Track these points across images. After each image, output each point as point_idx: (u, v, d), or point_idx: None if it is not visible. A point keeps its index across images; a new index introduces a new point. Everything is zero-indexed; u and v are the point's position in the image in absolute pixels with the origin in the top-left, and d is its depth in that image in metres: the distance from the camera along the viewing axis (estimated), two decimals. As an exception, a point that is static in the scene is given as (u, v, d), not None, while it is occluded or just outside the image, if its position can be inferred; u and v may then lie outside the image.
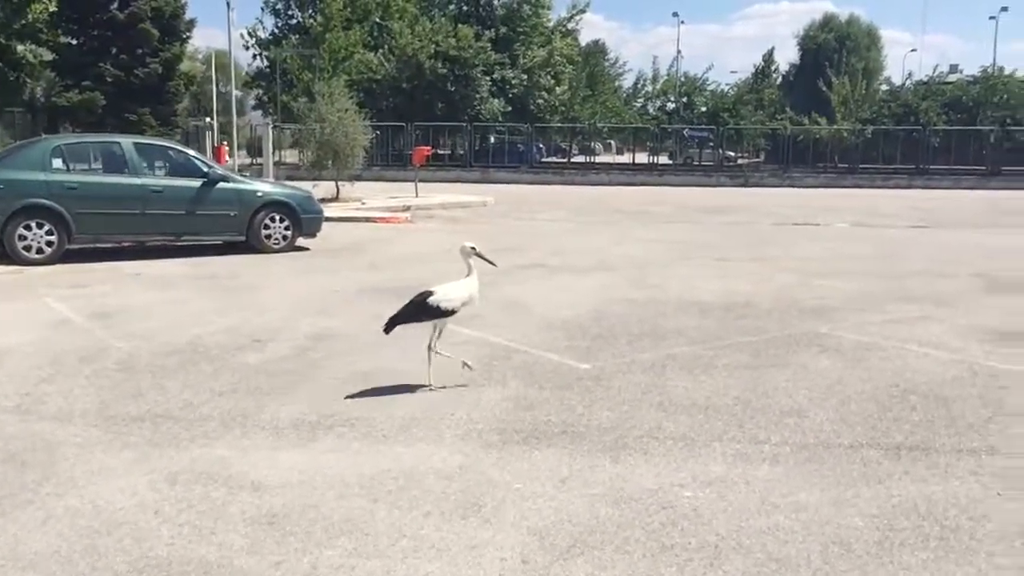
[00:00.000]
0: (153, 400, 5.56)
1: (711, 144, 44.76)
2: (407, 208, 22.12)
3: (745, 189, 34.32)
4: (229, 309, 8.54)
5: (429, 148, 29.34)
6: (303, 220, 12.98)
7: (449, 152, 43.83)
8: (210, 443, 4.81)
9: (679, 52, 64.53)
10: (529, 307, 8.67)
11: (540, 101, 45.06)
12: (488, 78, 42.14)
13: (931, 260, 12.68)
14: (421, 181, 27.96)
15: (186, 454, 4.64)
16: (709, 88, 47.29)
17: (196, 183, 12.25)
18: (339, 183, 22.95)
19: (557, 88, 45.85)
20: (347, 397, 5.65)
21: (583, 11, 50.45)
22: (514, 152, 42.61)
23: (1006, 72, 46.00)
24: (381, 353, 6.76)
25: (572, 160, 47.05)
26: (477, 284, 5.82)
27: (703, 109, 45.78)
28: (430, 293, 5.69)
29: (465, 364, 5.89)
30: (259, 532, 3.74)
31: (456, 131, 43.59)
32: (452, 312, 5.70)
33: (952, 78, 50.53)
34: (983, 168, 38.61)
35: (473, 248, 5.81)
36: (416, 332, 7.33)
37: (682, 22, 77.65)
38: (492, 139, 46.85)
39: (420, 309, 5.69)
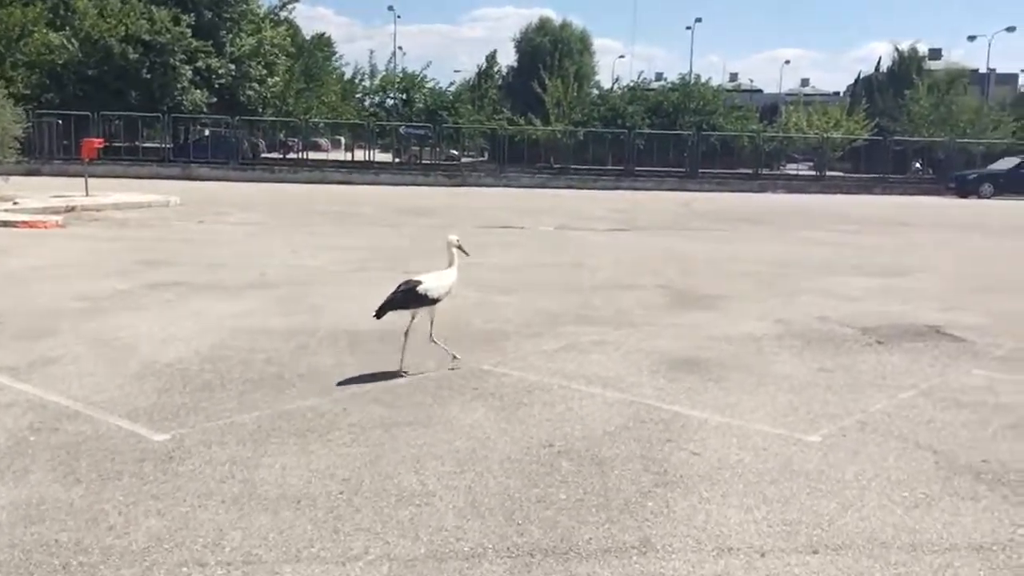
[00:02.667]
0: None
1: (431, 142, 44.02)
2: (71, 209, 19.15)
3: (462, 189, 33.79)
4: None
5: (101, 140, 25.96)
6: None
7: (148, 146, 39.85)
8: None
9: (399, 47, 63.80)
10: (134, 344, 6.84)
11: (251, 93, 42.03)
12: (190, 66, 38.65)
13: (621, 268, 12.21)
14: (112, 177, 24.81)
15: None
16: (428, 86, 46.38)
17: None
18: (-15, 180, 19.54)
19: (269, 80, 43.02)
20: None
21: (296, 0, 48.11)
22: (221, 147, 39.39)
23: (702, 80, 49.25)
24: None
25: (287, 156, 44.50)
26: (457, 275, 6.12)
27: (421, 106, 44.78)
28: (418, 282, 5.92)
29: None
30: None
31: (155, 123, 39.70)
32: (438, 300, 6.01)
33: (655, 84, 53.41)
34: (683, 170, 40.89)
35: (457, 241, 6.26)
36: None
37: (398, 16, 76.82)
38: (207, 132, 43.27)
39: (409, 297, 5.90)
